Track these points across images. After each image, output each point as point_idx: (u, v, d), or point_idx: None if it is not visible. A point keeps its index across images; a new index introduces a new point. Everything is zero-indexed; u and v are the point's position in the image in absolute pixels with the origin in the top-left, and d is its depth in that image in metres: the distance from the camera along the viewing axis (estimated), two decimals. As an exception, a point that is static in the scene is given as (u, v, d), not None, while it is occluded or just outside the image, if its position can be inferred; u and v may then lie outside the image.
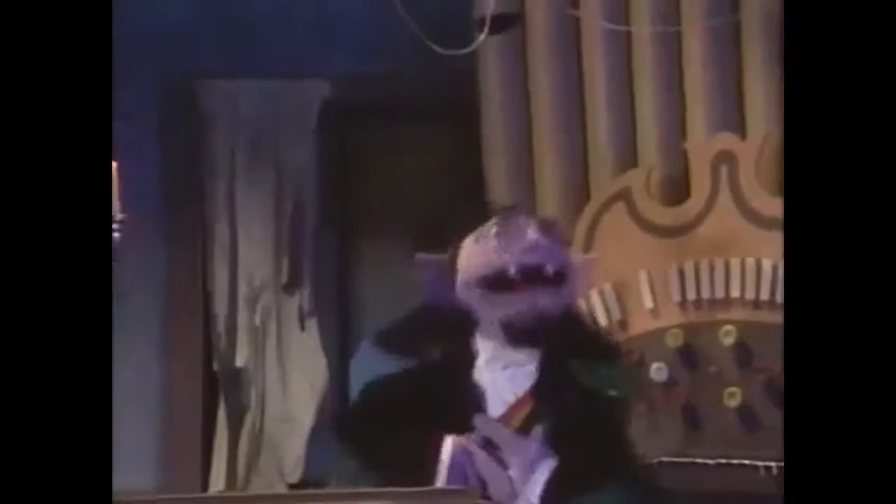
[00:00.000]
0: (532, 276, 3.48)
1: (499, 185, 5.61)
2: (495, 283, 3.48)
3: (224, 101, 6.07)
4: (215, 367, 6.04)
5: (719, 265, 5.04)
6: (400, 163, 6.21)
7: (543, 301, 3.48)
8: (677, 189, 5.26)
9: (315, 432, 6.02)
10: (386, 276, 6.31)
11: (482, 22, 5.27)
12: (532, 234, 3.58)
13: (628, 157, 5.40)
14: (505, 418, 3.48)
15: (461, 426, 3.47)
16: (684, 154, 5.23)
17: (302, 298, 6.08)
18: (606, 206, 5.34)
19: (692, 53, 5.30)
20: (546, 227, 3.68)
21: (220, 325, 6.05)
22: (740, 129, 5.22)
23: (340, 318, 6.32)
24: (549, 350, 3.51)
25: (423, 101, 5.87)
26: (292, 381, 6.07)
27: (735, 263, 5.01)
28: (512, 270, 3.47)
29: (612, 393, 3.57)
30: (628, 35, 5.39)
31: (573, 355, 3.53)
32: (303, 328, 6.08)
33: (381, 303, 6.38)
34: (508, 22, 5.50)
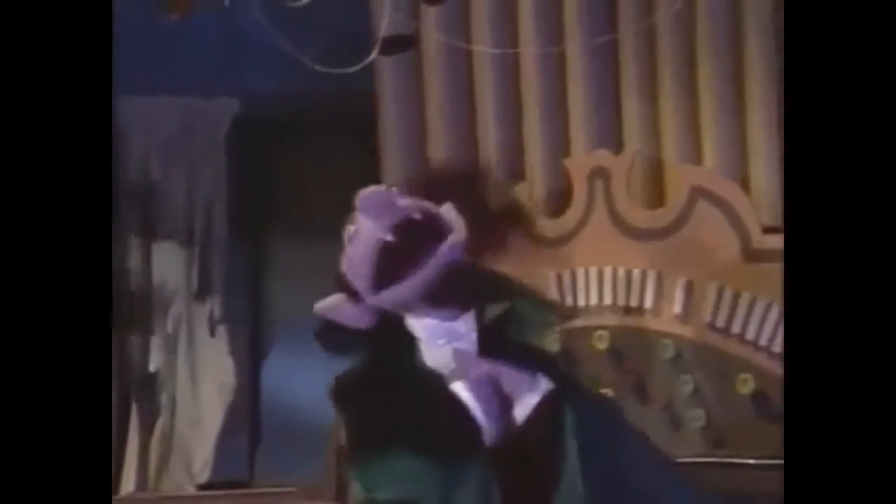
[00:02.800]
0: (409, 235, 3.35)
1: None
2: (385, 265, 3.35)
3: (139, 116, 6.33)
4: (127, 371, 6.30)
5: (593, 274, 5.37)
6: (306, 175, 6.48)
7: (440, 256, 3.33)
8: (558, 202, 5.59)
9: (223, 434, 6.32)
10: (294, 284, 6.60)
11: (379, 42, 5.61)
12: (377, 200, 3.49)
13: (516, 170, 5.72)
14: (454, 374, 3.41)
15: (433, 405, 3.36)
16: (564, 169, 5.56)
17: (212, 306, 6.36)
18: (496, 217, 5.67)
19: (574, 73, 5.60)
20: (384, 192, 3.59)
21: (134, 331, 6.28)
22: (618, 145, 5.55)
23: (250, 324, 6.59)
24: (479, 312, 3.41)
25: (326, 117, 6.14)
26: (202, 386, 6.34)
27: (608, 272, 5.34)
28: (388, 236, 3.37)
29: (544, 332, 3.55)
30: (515, 56, 5.70)
31: (503, 312, 3.42)
32: (213, 334, 6.35)
33: (291, 310, 6.70)
34: (402, 43, 5.81)
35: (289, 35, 5.14)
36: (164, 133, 6.40)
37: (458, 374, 3.37)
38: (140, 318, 6.35)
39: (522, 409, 3.34)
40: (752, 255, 5.18)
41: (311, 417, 6.46)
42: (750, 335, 5.14)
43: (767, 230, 5.20)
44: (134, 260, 6.35)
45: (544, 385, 3.34)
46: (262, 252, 6.68)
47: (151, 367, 6.34)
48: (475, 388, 3.34)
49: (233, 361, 6.36)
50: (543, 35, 5.62)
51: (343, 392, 3.49)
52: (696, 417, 5.19)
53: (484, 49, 5.70)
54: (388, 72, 5.93)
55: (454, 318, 3.38)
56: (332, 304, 3.48)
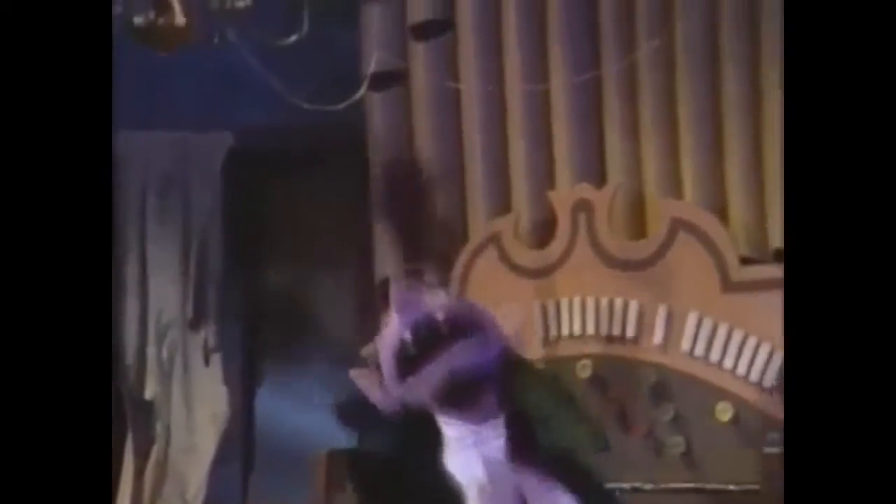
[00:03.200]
0: (428, 336, 3.34)
1: (385, 225, 6.04)
2: (404, 363, 3.35)
3: (137, 149, 6.44)
4: (124, 398, 6.41)
5: (577, 304, 5.48)
6: (298, 207, 6.59)
7: (458, 357, 3.32)
8: (543, 233, 5.70)
9: (216, 461, 6.43)
10: (287, 315, 6.72)
11: (368, 79, 5.75)
12: (405, 297, 3.45)
13: (501, 204, 5.84)
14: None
15: None
16: (548, 202, 5.68)
17: (207, 334, 6.45)
18: (481, 247, 5.79)
19: (558, 110, 5.72)
20: (416, 284, 3.58)
21: (130, 359, 6.40)
22: (600, 179, 5.65)
23: (244, 353, 6.69)
24: (515, 422, 3.40)
25: (319, 150, 6.27)
26: (196, 413, 6.42)
27: (590, 302, 5.45)
28: (408, 337, 3.35)
29: (581, 451, 3.48)
30: (502, 93, 5.83)
31: (534, 415, 3.41)
32: (207, 363, 6.43)
33: (283, 339, 6.83)
34: (391, 80, 5.96)
35: (278, 72, 5.23)
36: (162, 165, 6.51)
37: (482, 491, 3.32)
38: (136, 346, 6.45)
39: None
40: (730, 285, 5.27)
41: (302, 445, 6.58)
42: (728, 364, 5.23)
43: (745, 261, 5.31)
44: (130, 289, 6.45)
45: None
46: (256, 282, 6.78)
47: (147, 395, 6.44)
48: None
49: (227, 389, 6.44)
50: (529, 73, 5.74)
51: (360, 471, 3.53)
52: (676, 444, 5.28)
53: (471, 87, 5.84)
54: (377, 107, 6.06)
55: (481, 421, 3.35)
56: (366, 375, 3.52)
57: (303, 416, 6.70)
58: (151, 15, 4.62)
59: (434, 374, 3.31)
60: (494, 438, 3.36)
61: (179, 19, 4.58)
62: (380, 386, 3.43)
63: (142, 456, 6.40)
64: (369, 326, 6.45)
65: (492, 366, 3.37)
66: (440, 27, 5.94)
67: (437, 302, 3.44)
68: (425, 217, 5.99)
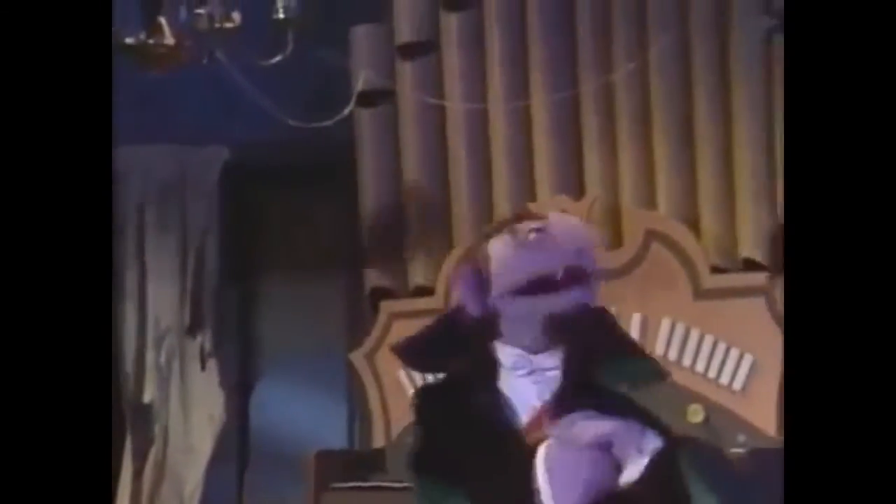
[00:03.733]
0: (575, 277, 3.18)
1: (373, 235, 6.30)
2: (541, 286, 3.17)
3: (136, 163, 6.64)
4: (123, 402, 6.62)
5: (557, 310, 5.72)
6: (291, 218, 6.80)
7: (580, 296, 3.16)
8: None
9: (213, 461, 6.66)
10: (281, 321, 6.94)
11: (355, 97, 6.01)
12: (572, 237, 3.26)
13: (485, 215, 6.09)
14: (532, 425, 3.22)
15: (495, 438, 3.23)
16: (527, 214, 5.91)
17: (203, 340, 6.67)
18: (465, 256, 6.02)
19: (539, 125, 5.97)
20: (580, 226, 3.34)
21: (129, 364, 6.64)
22: (579, 191, 5.90)
23: (239, 358, 6.90)
24: (573, 352, 3.25)
25: (311, 164, 6.46)
26: (193, 416, 6.64)
27: (569, 309, 5.69)
28: (560, 274, 3.16)
29: (636, 386, 3.29)
30: (485, 110, 6.09)
31: (597, 356, 3.26)
32: (203, 367, 6.64)
33: (276, 345, 7.05)
34: (378, 97, 6.21)
35: (269, 90, 5.41)
36: (159, 179, 6.72)
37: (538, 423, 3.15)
38: (135, 351, 6.66)
39: (629, 473, 3.09)
40: (701, 293, 5.54)
41: (295, 446, 6.81)
42: (699, 368, 5.49)
43: (716, 270, 5.58)
44: (130, 297, 6.65)
45: (653, 442, 3.09)
46: (251, 290, 6.99)
47: (146, 399, 6.66)
48: (558, 462, 3.15)
49: (222, 392, 6.65)
50: (511, 91, 6.00)
51: (422, 404, 3.32)
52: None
53: (456, 104, 6.10)
54: (366, 124, 6.33)
55: (540, 349, 3.24)
56: (472, 272, 3.29)
57: (295, 417, 6.92)
58: (143, 35, 4.69)
59: (569, 308, 3.16)
60: (549, 370, 3.24)
61: (169, 40, 4.65)
62: (478, 287, 3.24)
63: (140, 457, 6.61)
64: (359, 333, 6.75)
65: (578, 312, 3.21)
66: (426, 48, 6.22)
67: (581, 244, 3.24)
68: (414, 227, 6.26)
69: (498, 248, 3.28)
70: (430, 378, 3.35)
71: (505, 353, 3.27)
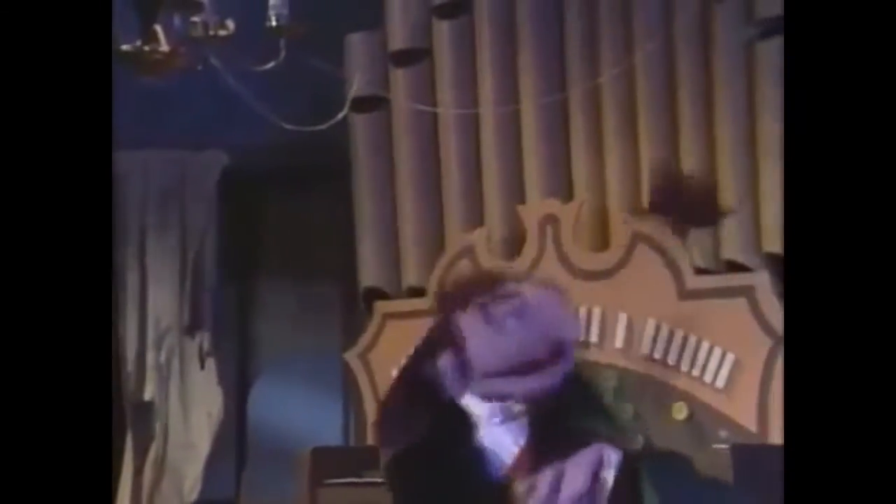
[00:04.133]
0: (558, 352, 3.24)
1: (367, 234, 6.45)
2: (523, 367, 3.23)
3: (137, 168, 6.78)
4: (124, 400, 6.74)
5: (546, 311, 5.85)
6: (288, 221, 6.94)
7: (564, 368, 3.23)
8: (513, 246, 6.09)
9: (211, 458, 6.79)
10: (278, 321, 7.08)
11: (349, 102, 6.14)
12: (550, 309, 3.31)
13: (476, 218, 6.24)
14: (514, 468, 3.25)
15: (482, 490, 3.26)
16: (518, 216, 6.07)
17: (202, 340, 6.80)
18: (455, 258, 6.18)
19: (528, 130, 6.12)
20: (555, 295, 3.38)
21: (130, 363, 6.76)
22: (568, 194, 6.03)
23: (237, 357, 7.05)
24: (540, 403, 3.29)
25: (308, 168, 6.61)
26: (192, 413, 6.77)
27: (558, 310, 5.82)
28: (544, 354, 3.22)
29: (604, 431, 3.34)
30: (476, 116, 6.24)
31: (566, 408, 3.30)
32: (202, 366, 6.78)
33: (273, 344, 7.18)
34: (372, 103, 6.34)
35: (266, 96, 5.51)
36: (160, 183, 6.85)
37: (518, 466, 3.22)
38: (136, 351, 6.78)
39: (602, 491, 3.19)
40: (685, 294, 5.68)
41: (292, 442, 6.93)
42: (684, 367, 5.61)
43: (699, 271, 5.71)
44: (131, 298, 6.78)
45: (613, 456, 3.21)
46: (248, 291, 7.13)
47: (146, 397, 6.78)
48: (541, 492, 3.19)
49: (221, 391, 6.79)
50: (500, 96, 6.14)
51: (398, 470, 3.37)
52: (635, 441, 5.66)
53: (447, 109, 6.24)
54: (359, 128, 6.47)
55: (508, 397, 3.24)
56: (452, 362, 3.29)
57: (292, 415, 7.05)
58: (138, 42, 4.68)
59: (504, 389, 3.24)
60: (522, 414, 3.25)
61: (164, 47, 4.63)
62: (458, 375, 3.29)
63: (141, 454, 6.73)
64: (354, 333, 6.88)
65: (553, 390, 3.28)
66: (419, 54, 6.37)
67: (559, 316, 3.32)
68: (406, 230, 6.40)
69: (473, 330, 3.26)
70: (397, 448, 3.34)
71: (476, 405, 3.28)
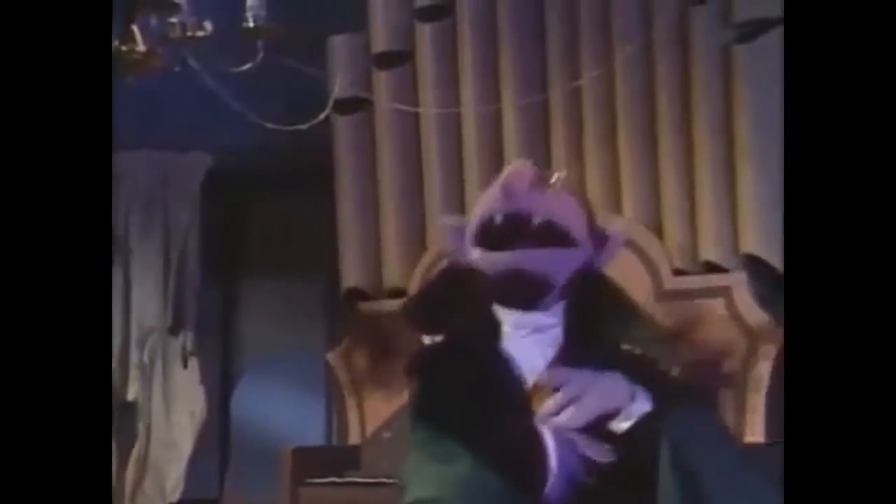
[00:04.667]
0: (517, 227, 3.09)
1: (350, 235, 6.49)
2: (485, 235, 3.10)
3: (122, 169, 6.74)
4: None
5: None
6: (272, 223, 7.01)
7: (530, 260, 3.07)
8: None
9: (194, 457, 6.84)
10: (261, 321, 7.12)
11: (331, 103, 6.19)
12: (526, 182, 3.15)
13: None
14: (536, 388, 3.09)
15: (502, 399, 3.14)
16: (499, 216, 6.09)
17: (185, 340, 6.85)
18: (437, 260, 6.21)
19: (509, 130, 6.17)
20: (545, 178, 3.20)
21: (114, 363, 6.77)
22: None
23: (220, 357, 7.11)
24: (574, 311, 3.17)
25: (291, 169, 6.67)
26: (175, 413, 6.82)
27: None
28: (498, 217, 3.09)
29: (639, 348, 3.21)
30: (457, 117, 6.29)
31: (597, 314, 3.19)
32: (185, 366, 6.83)
33: (258, 342, 7.22)
34: (354, 104, 6.39)
35: (245, 96, 5.55)
36: (144, 184, 6.90)
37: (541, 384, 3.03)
38: (120, 350, 6.83)
39: (616, 424, 3.01)
40: (663, 294, 5.73)
41: (274, 442, 6.97)
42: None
43: (677, 272, 5.77)
44: (115, 298, 6.77)
45: (639, 406, 3.03)
46: (232, 291, 7.18)
47: (130, 396, 6.82)
48: (559, 433, 3.03)
49: (204, 390, 6.83)
50: (482, 97, 6.19)
51: (421, 365, 3.25)
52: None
53: (429, 110, 6.28)
54: (342, 130, 6.52)
55: (538, 309, 3.13)
56: (456, 224, 3.23)
57: (275, 415, 7.10)
58: (115, 42, 4.70)
59: (499, 263, 3.10)
60: (552, 327, 3.16)
61: (141, 47, 4.68)
62: (461, 238, 3.19)
63: (124, 453, 6.78)
64: (336, 334, 6.92)
65: (566, 271, 3.14)
66: (401, 57, 6.42)
67: (542, 202, 3.14)
68: (387, 231, 6.44)
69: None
70: (430, 340, 3.22)
71: (505, 315, 3.17)
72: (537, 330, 3.18)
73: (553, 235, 3.13)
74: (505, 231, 3.11)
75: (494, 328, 3.19)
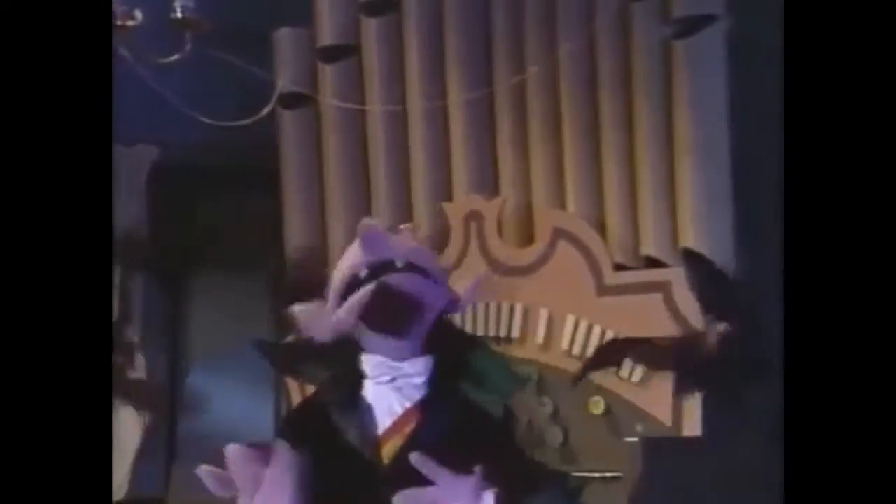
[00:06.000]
0: (382, 271, 3.31)
1: (296, 230, 6.47)
2: (352, 290, 3.31)
3: None
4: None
5: (468, 308, 5.87)
6: (219, 216, 6.96)
7: (399, 280, 3.28)
8: (439, 241, 6.11)
9: (140, 454, 6.79)
10: (209, 316, 7.08)
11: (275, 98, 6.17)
12: (382, 234, 3.42)
13: (403, 214, 6.23)
14: (391, 431, 3.31)
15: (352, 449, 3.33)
16: (443, 213, 6.11)
17: (132, 335, 6.79)
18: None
19: (455, 126, 6.15)
20: (397, 229, 3.54)
21: (60, 358, 6.77)
22: (494, 190, 6.07)
23: (167, 353, 7.06)
24: (439, 362, 3.35)
25: (238, 164, 6.61)
26: (121, 410, 6.71)
27: (480, 306, 5.84)
28: (363, 272, 3.32)
29: (498, 404, 3.39)
30: (403, 111, 6.28)
31: (461, 369, 3.37)
32: (132, 363, 6.78)
33: (205, 338, 7.18)
34: (299, 99, 6.37)
35: (188, 89, 5.52)
36: (90, 176, 6.87)
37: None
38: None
39: None
40: (604, 290, 5.72)
41: (222, 440, 6.90)
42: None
43: (619, 267, 5.76)
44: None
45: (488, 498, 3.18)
46: (179, 285, 7.14)
47: (74, 391, 6.79)
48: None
49: (150, 387, 6.77)
50: (427, 92, 6.18)
51: (288, 429, 3.46)
52: (555, 435, 5.71)
53: (375, 106, 6.27)
54: (287, 124, 6.50)
55: (403, 358, 3.30)
56: (306, 309, 3.44)
57: (224, 410, 7.05)
58: None
59: (370, 288, 3.28)
60: (415, 377, 3.33)
61: None
62: (319, 318, 3.40)
63: (68, 449, 6.74)
64: (286, 325, 6.87)
65: (431, 300, 3.33)
66: (346, 51, 6.40)
67: (401, 245, 3.41)
68: (334, 225, 6.42)
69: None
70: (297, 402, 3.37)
71: (368, 362, 3.36)
72: (398, 377, 3.35)
73: (417, 272, 3.37)
74: (372, 276, 3.34)
75: (357, 378, 3.38)
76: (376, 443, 3.33)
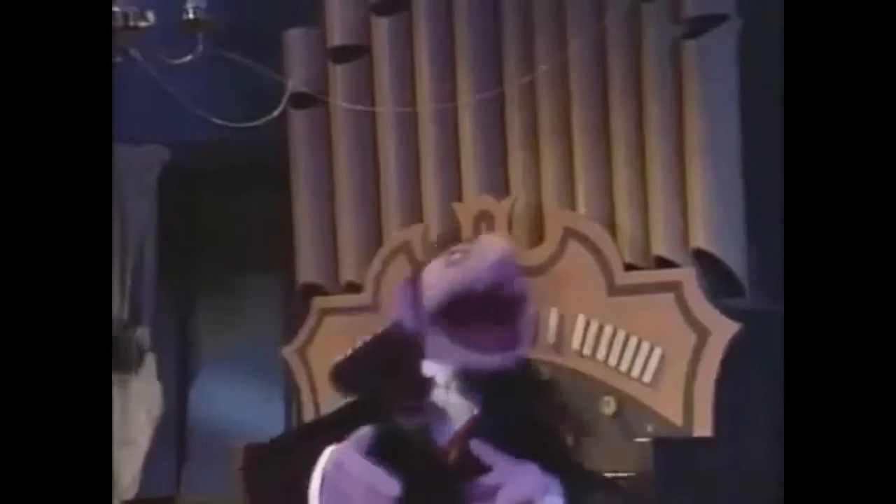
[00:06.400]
0: (492, 300, 3.20)
1: (306, 231, 6.47)
2: (461, 305, 3.21)
3: None
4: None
5: (478, 307, 5.89)
6: (229, 218, 7.00)
7: (507, 358, 3.21)
8: (449, 243, 6.10)
9: (151, 453, 6.81)
10: (219, 316, 7.10)
11: (286, 98, 6.18)
12: (496, 254, 3.28)
13: (413, 215, 6.27)
14: (460, 434, 3.22)
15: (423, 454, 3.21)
16: (453, 213, 6.11)
17: (141, 335, 6.80)
18: (392, 254, 6.22)
19: (465, 127, 6.17)
20: (502, 244, 3.38)
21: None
22: (504, 191, 6.06)
23: (177, 353, 7.09)
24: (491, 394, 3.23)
25: (248, 164, 6.66)
26: (131, 409, 6.78)
27: (491, 306, 5.85)
28: (479, 287, 3.19)
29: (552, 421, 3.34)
30: (413, 112, 6.28)
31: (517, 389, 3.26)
32: (142, 362, 6.79)
33: (215, 338, 7.20)
34: (312, 98, 6.37)
35: (198, 89, 5.53)
36: (100, 176, 6.88)
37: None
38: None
39: None
40: (615, 290, 5.73)
41: (232, 438, 6.93)
42: (612, 362, 5.65)
43: (629, 267, 5.76)
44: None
45: (551, 500, 3.09)
46: (189, 286, 7.16)
47: (85, 392, 6.81)
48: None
49: (160, 386, 6.78)
50: (438, 93, 6.18)
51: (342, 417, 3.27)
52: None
53: (385, 107, 6.28)
54: (297, 125, 6.51)
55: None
56: (411, 286, 3.34)
57: (233, 411, 7.08)
58: None
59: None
60: (480, 388, 3.23)
61: None
62: (415, 303, 3.29)
63: (79, 449, 6.75)
64: (292, 326, 6.90)
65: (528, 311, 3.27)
66: (357, 51, 6.40)
67: (504, 262, 3.26)
68: (344, 226, 6.43)
69: (429, 268, 3.33)
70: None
71: (438, 369, 3.25)
72: (468, 387, 3.24)
73: (514, 312, 3.23)
74: (479, 299, 3.21)
75: (423, 385, 3.25)
76: (446, 450, 3.23)
